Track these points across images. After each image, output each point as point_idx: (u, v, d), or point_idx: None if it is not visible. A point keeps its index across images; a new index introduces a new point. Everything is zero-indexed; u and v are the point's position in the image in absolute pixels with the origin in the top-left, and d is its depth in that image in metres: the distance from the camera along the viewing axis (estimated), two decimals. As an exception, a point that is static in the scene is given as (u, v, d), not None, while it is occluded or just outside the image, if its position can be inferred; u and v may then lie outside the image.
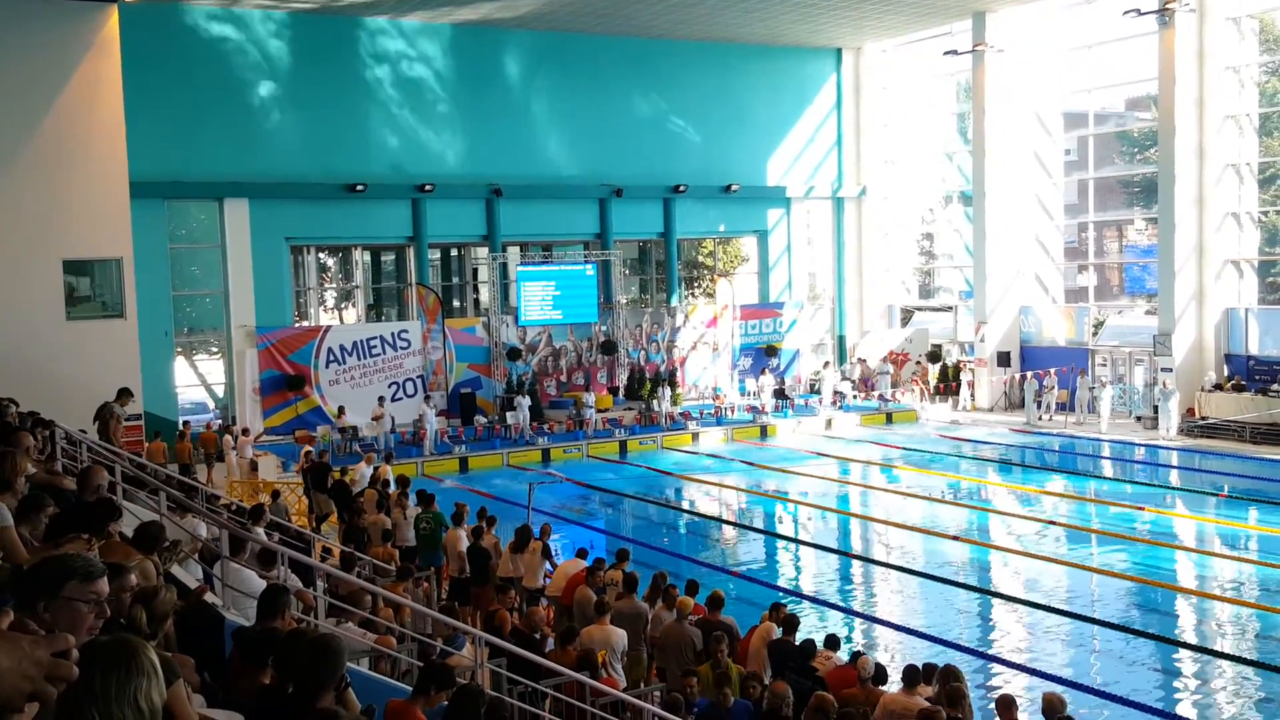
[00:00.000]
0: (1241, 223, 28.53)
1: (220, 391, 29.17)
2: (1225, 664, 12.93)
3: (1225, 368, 28.27)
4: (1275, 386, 26.54)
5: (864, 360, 35.36)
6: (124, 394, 15.96)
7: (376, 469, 18.74)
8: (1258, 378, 27.41)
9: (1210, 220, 28.20)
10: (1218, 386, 27.65)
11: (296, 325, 29.38)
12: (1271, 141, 30.73)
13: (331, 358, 28.61)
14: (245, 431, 25.07)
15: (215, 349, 29.53)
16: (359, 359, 28.94)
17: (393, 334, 29.59)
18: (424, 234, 30.41)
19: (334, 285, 33.08)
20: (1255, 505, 20.39)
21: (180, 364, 28.73)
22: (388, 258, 32.72)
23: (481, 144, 31.04)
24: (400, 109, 30.05)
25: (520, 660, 8.83)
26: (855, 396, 33.40)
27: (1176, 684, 12.67)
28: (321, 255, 31.93)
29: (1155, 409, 28.54)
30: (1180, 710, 11.71)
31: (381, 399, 27.49)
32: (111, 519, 6.88)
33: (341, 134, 29.21)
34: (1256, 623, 14.39)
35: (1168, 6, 27.36)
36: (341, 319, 32.18)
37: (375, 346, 29.21)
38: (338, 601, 9.85)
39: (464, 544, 13.95)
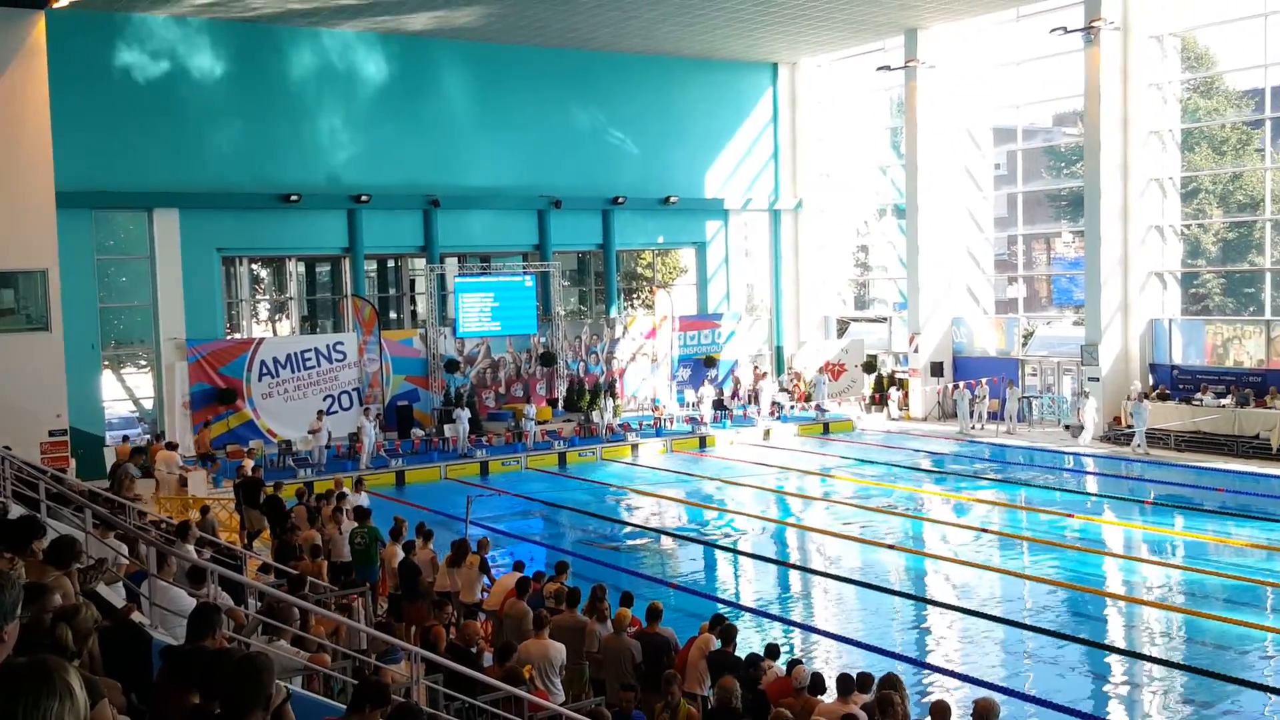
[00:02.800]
0: (1165, 236, 29.24)
1: (149, 406, 28.59)
2: (1154, 668, 13.21)
3: (1150, 377, 28.93)
4: (1198, 395, 27.21)
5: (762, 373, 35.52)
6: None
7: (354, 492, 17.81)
8: (1181, 386, 28.10)
9: (1135, 233, 28.87)
10: (1143, 395, 28.27)
11: (228, 338, 28.91)
12: (1193, 156, 31.58)
13: (265, 370, 28.20)
14: (172, 446, 24.55)
15: (144, 362, 28.94)
16: (293, 372, 28.55)
17: (328, 346, 29.25)
18: (360, 245, 30.11)
19: (267, 297, 32.61)
20: (1181, 511, 20.87)
21: (108, 378, 28.11)
22: (323, 269, 32.34)
23: (419, 155, 30.83)
24: (336, 119, 29.75)
25: (457, 676, 8.76)
26: (793, 407, 33.66)
27: (1107, 688, 12.91)
28: (254, 266, 31.47)
29: (1082, 417, 29.15)
30: (1111, 714, 11.93)
31: (320, 412, 27.13)
32: (35, 536, 6.72)
33: (275, 144, 28.85)
34: (1183, 626, 14.72)
35: (1093, 25, 28.00)
36: (275, 331, 31.73)
37: (310, 359, 28.84)
38: (268, 618, 9.69)
39: (397, 559, 13.81)
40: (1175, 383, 28.34)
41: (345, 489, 17.17)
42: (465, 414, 28.50)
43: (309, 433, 26.35)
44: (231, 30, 28.20)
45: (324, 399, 28.61)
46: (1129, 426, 27.66)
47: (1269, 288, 28.80)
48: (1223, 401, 26.43)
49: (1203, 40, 31.91)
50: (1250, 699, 12.01)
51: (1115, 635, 14.93)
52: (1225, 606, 15.23)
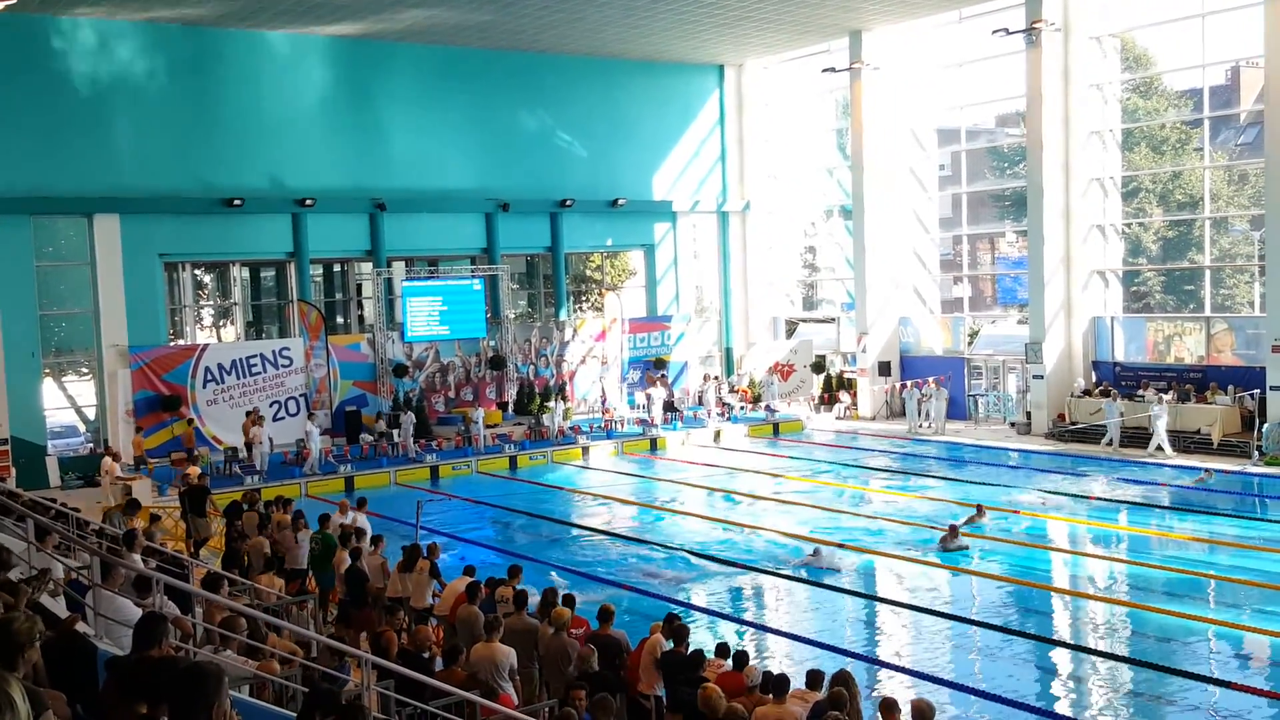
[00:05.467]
0: (1106, 234, 29.74)
1: (91, 414, 28.07)
2: (1099, 660, 13.41)
3: (1093, 374, 29.41)
4: (1140, 392, 27.70)
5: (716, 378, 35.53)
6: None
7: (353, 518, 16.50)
8: (1124, 383, 28.58)
9: (1077, 232, 29.33)
10: (1086, 392, 28.75)
11: (172, 344, 28.49)
12: (1133, 156, 32.17)
13: (209, 377, 27.82)
14: (114, 455, 24.15)
15: (86, 370, 28.43)
16: (238, 378, 28.19)
17: (274, 352, 28.92)
18: (305, 249, 29.80)
19: (211, 302, 32.17)
20: (1124, 506, 21.21)
21: (49, 386, 27.58)
22: (267, 274, 31.97)
23: (364, 157, 30.60)
24: (278, 122, 29.42)
25: (408, 681, 8.69)
26: (743, 408, 33.80)
27: (1055, 682, 13.10)
28: (197, 272, 31.04)
29: (1029, 414, 29.59)
30: (1058, 708, 12.10)
31: (249, 413, 26.63)
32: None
33: (217, 147, 28.47)
34: (1127, 619, 14.97)
35: (1034, 26, 28.43)
36: (219, 337, 31.30)
37: (256, 365, 28.50)
38: (219, 628, 9.55)
39: (346, 566, 13.69)
40: (1118, 379, 28.82)
41: (349, 511, 16.51)
42: (410, 418, 28.27)
43: (245, 442, 25.97)
44: (171, 33, 27.80)
45: (270, 404, 28.26)
46: (1074, 423, 28.09)
47: (1208, 285, 29.42)
48: (1164, 398, 26.91)
49: (1142, 41, 32.51)
50: (1194, 690, 12.23)
51: (1062, 629, 15.14)
52: (1169, 600, 15.50)
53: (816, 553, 17.74)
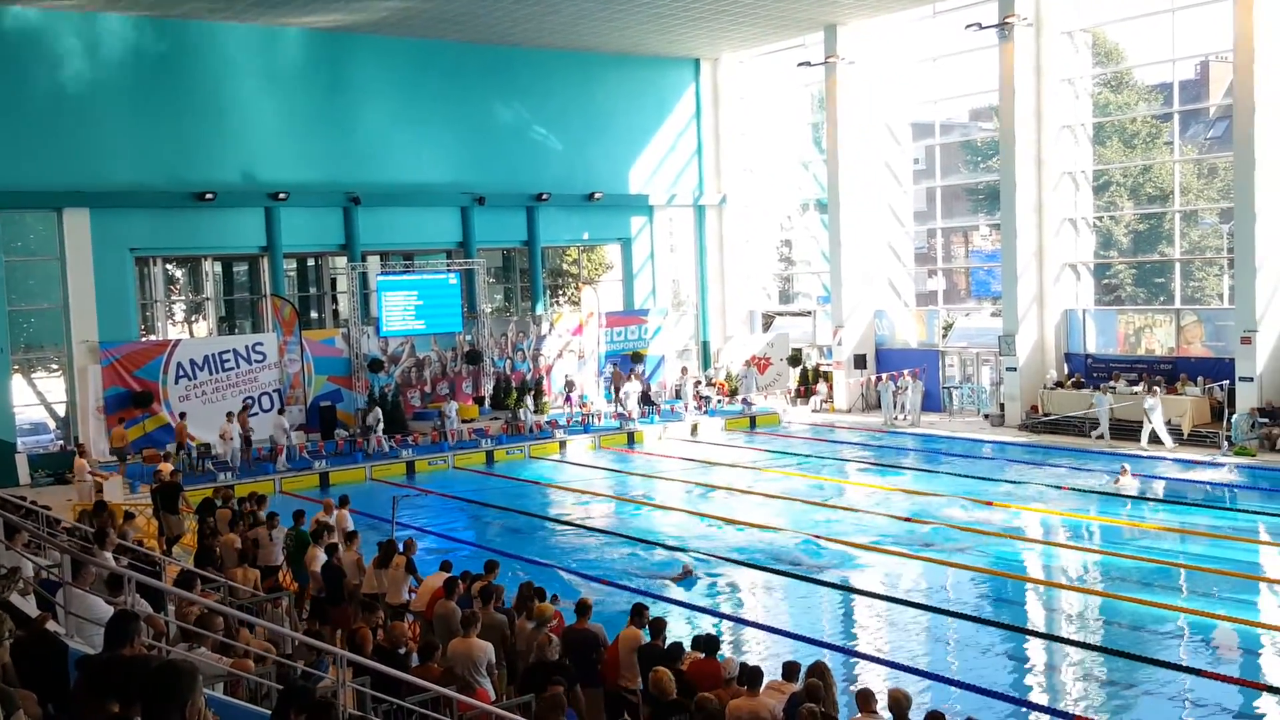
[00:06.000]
0: (1078, 228, 29.94)
1: (62, 411, 27.81)
2: (1072, 650, 13.51)
3: (1065, 366, 29.63)
4: (1112, 383, 27.92)
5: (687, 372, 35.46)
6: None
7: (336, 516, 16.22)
8: (1095, 375, 28.81)
9: (1049, 225, 29.52)
10: (1059, 384, 28.96)
11: (143, 339, 28.25)
12: (1104, 150, 32.41)
13: (181, 373, 27.62)
14: (82, 451, 23.89)
15: (56, 366, 28.16)
16: (211, 373, 28.00)
17: (247, 347, 28.72)
18: (278, 243, 29.60)
19: (183, 297, 31.93)
20: (1096, 497, 21.37)
21: (18, 382, 27.30)
22: (240, 268, 31.75)
23: (338, 151, 30.41)
24: (251, 115, 29.19)
25: (386, 678, 8.66)
26: (719, 401, 33.86)
27: (1028, 671, 13.19)
28: (169, 267, 30.79)
29: (1002, 406, 29.77)
30: (1033, 697, 12.19)
31: (230, 414, 26.47)
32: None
33: (189, 141, 28.23)
34: (1099, 609, 15.09)
35: (1007, 21, 28.56)
36: (192, 332, 31.08)
37: (229, 360, 28.31)
38: (193, 626, 9.50)
39: (319, 562, 13.63)
40: (1089, 371, 29.05)
41: (333, 510, 16.28)
42: (377, 414, 28.11)
43: (219, 436, 25.81)
44: (143, 25, 27.54)
45: (244, 401, 28.07)
46: (1047, 414, 28.29)
47: (1178, 277, 29.69)
48: (1135, 389, 27.14)
49: (1113, 36, 32.77)
50: (1166, 678, 12.35)
51: (1036, 619, 15.25)
52: (1141, 589, 15.64)
53: (687, 571, 16.95)
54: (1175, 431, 25.71)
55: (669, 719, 8.60)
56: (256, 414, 27.98)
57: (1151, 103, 33.80)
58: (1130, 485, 21.58)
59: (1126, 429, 26.46)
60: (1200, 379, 26.60)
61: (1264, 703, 11.77)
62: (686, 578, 16.75)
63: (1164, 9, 27.68)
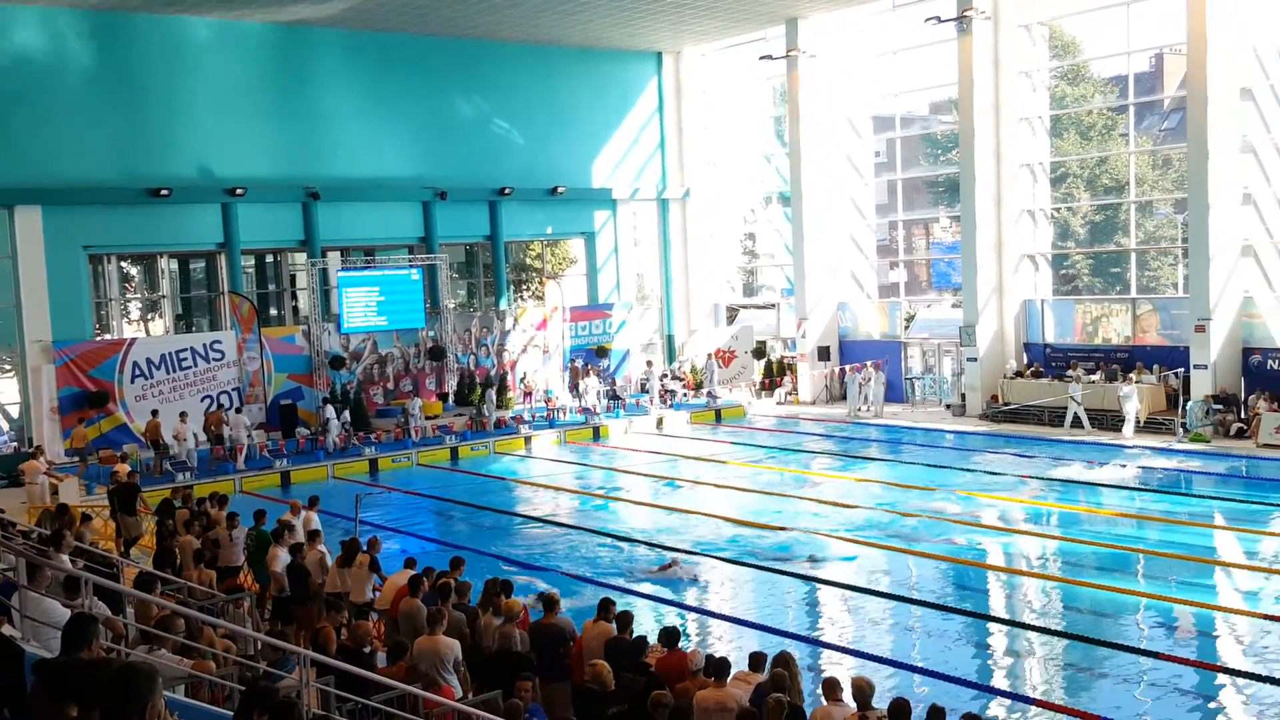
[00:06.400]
0: (1036, 219, 30.24)
1: (15, 412, 27.39)
2: (1034, 635, 13.67)
3: (1025, 356, 29.93)
4: (1070, 372, 28.24)
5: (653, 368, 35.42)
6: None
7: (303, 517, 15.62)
8: (1054, 364, 29.13)
9: (1008, 217, 29.79)
10: (1018, 373, 29.25)
11: (98, 339, 27.88)
12: (1061, 142, 32.74)
13: (138, 372, 27.27)
14: (39, 453, 23.53)
15: (8, 366, 27.72)
16: (168, 372, 27.66)
17: (205, 345, 28.41)
18: (236, 240, 29.29)
19: (138, 295, 31.53)
20: (1056, 483, 21.61)
21: (-29, 383, 26.88)
22: (197, 265, 31.40)
23: (297, 146, 30.14)
24: (208, 110, 28.84)
25: (350, 677, 8.60)
26: (684, 395, 33.90)
27: (990, 657, 13.32)
28: (124, 264, 30.41)
29: (963, 396, 30.03)
30: (995, 682, 12.31)
31: (184, 414, 26.17)
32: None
33: (144, 137, 27.88)
34: (1060, 595, 15.27)
35: (965, 14, 28.76)
36: (148, 331, 30.70)
37: (186, 359, 27.99)
38: (149, 628, 9.38)
39: (280, 562, 13.51)
40: (1048, 360, 29.36)
41: (301, 510, 15.99)
42: (331, 410, 27.89)
43: (174, 437, 25.52)
44: (96, 19, 27.14)
45: (202, 399, 27.78)
46: (1007, 403, 28.56)
47: (1134, 267, 30.03)
48: (1092, 378, 27.46)
49: (1069, 29, 33.09)
50: (1126, 661, 12.52)
51: (998, 605, 15.41)
52: (1100, 574, 15.84)
53: (674, 563, 16.92)
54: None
55: (608, 710, 8.63)
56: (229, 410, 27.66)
57: (1107, 95, 34.17)
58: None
59: (1090, 418, 26.77)
60: (1156, 367, 26.95)
61: (1220, 683, 11.97)
62: (671, 568, 16.72)
63: (1119, 2, 27.98)
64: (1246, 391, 25.46)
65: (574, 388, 32.71)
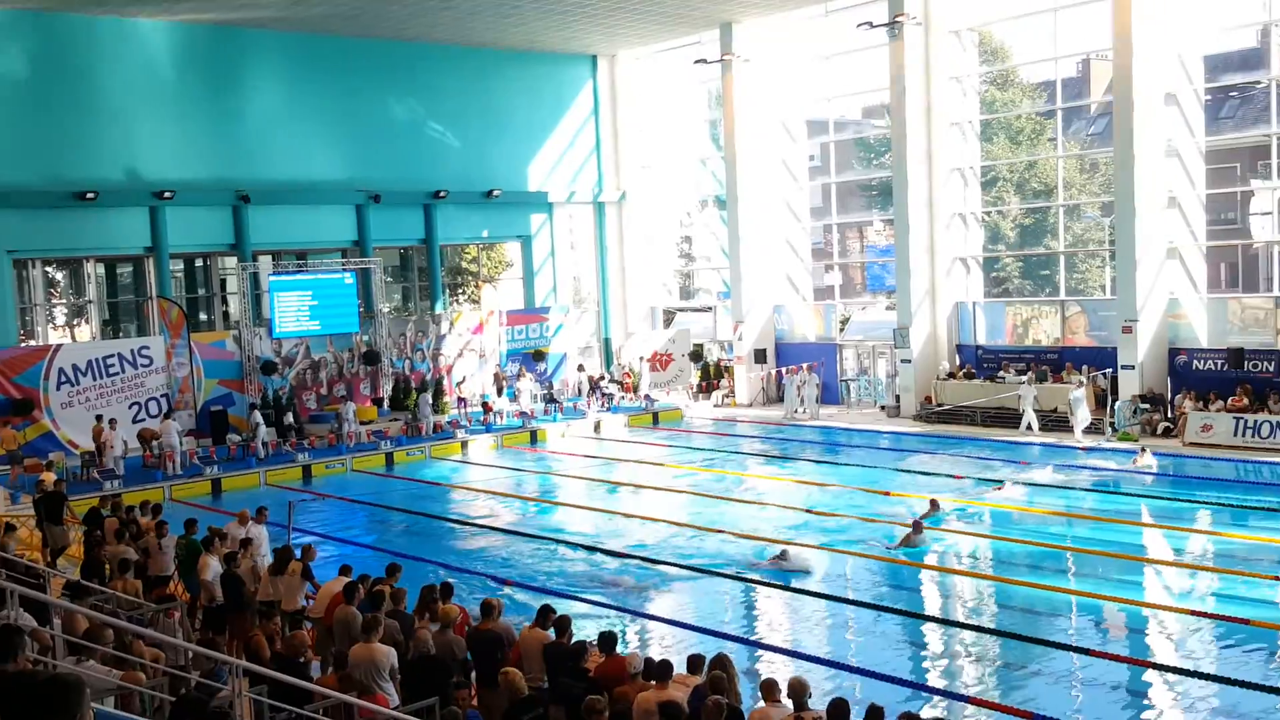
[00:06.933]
0: (967, 222, 30.70)
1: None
2: (969, 634, 13.85)
3: (957, 357, 30.37)
4: (1001, 373, 28.70)
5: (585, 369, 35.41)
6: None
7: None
8: (985, 365, 29.60)
9: (940, 220, 30.21)
10: (951, 375, 29.67)
11: (22, 345, 27.17)
12: (991, 147, 33.28)
13: (64, 378, 26.61)
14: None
15: (-72, 373, 26.89)
16: (95, 379, 27.03)
17: (132, 351, 27.80)
18: (164, 244, 28.74)
19: (64, 301, 30.80)
20: (988, 483, 21.91)
21: (-114, 391, 26.03)
22: (124, 270, 30.75)
23: (227, 148, 29.65)
24: (135, 112, 28.27)
25: (284, 686, 8.46)
26: (623, 398, 33.89)
27: (925, 656, 13.47)
28: (49, 269, 29.67)
29: (898, 398, 30.39)
30: (930, 680, 12.46)
31: (100, 417, 25.59)
32: None
33: (68, 139, 27.24)
34: (994, 594, 15.49)
35: (896, 20, 29.12)
36: (74, 337, 29.98)
37: (113, 365, 27.37)
38: (78, 639, 9.15)
39: (211, 571, 13.26)
40: (980, 362, 29.82)
41: (248, 521, 15.58)
42: (257, 416, 27.50)
43: (95, 443, 24.93)
44: (18, 18, 26.48)
45: (130, 406, 27.19)
46: (940, 405, 28.94)
47: (1063, 270, 30.66)
48: (1023, 378, 27.93)
49: (998, 35, 33.65)
50: (1059, 659, 12.74)
51: (932, 605, 15.60)
52: (1033, 573, 16.10)
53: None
54: (1062, 418, 26.49)
55: (521, 717, 8.61)
56: (143, 420, 27.09)
57: (1035, 100, 34.81)
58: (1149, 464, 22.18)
59: (1014, 418, 27.23)
60: (1085, 368, 27.48)
61: (1149, 679, 12.23)
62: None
63: (1046, 8, 28.52)
64: (1173, 391, 26.07)
65: (499, 391, 32.50)
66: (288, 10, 28.33)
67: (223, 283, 31.84)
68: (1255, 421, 23.74)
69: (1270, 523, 18.04)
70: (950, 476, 22.63)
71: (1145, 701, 11.75)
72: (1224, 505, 19.49)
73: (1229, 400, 24.60)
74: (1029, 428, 26.61)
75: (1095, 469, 23.13)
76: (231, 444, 27.41)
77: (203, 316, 31.37)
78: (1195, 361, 25.90)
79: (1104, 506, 19.98)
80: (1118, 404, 25.80)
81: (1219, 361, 25.41)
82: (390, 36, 31.75)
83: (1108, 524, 18.57)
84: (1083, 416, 25.56)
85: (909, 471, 23.44)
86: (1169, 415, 25.58)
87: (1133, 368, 25.92)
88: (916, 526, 17.58)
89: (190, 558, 14.30)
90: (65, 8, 26.63)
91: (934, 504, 18.92)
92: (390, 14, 29.45)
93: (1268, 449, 23.24)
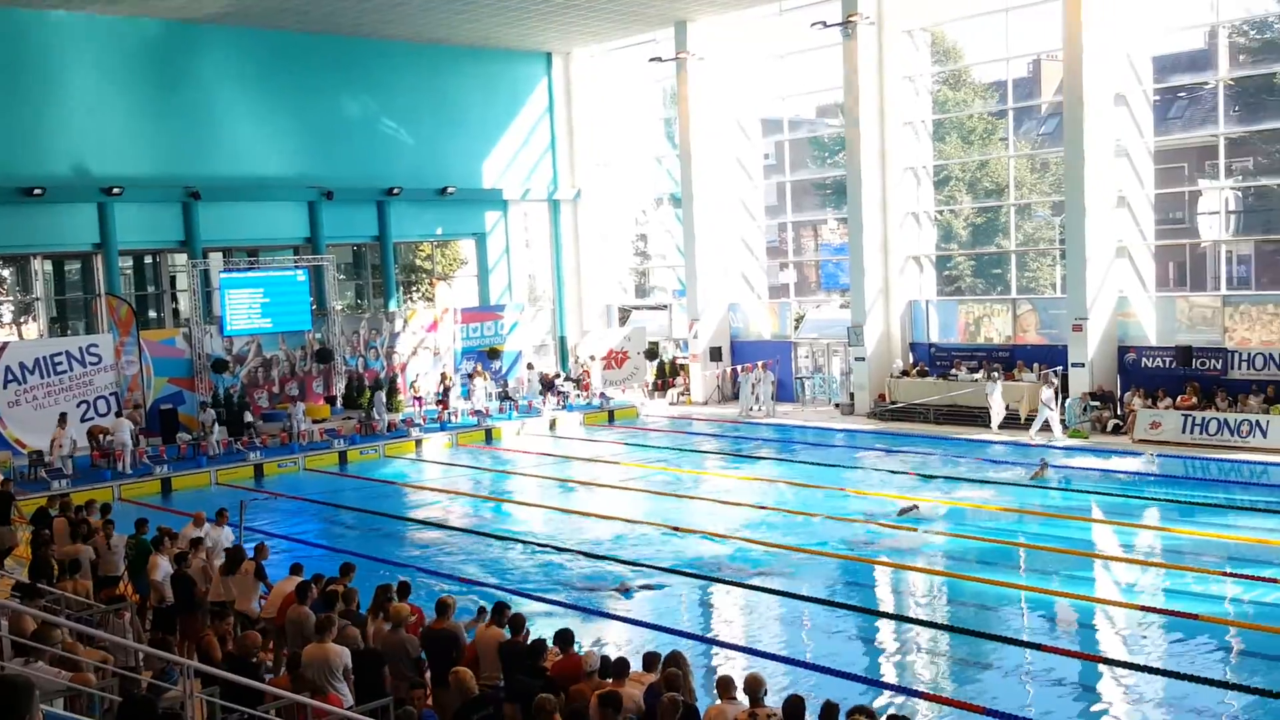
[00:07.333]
0: (920, 221, 30.97)
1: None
2: (919, 629, 13.97)
3: (911, 355, 30.63)
4: (954, 371, 28.99)
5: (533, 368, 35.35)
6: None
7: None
8: (938, 363, 29.88)
9: (893, 219, 30.45)
10: (904, 373, 29.93)
11: (-34, 343, 26.63)
12: (944, 146, 33.59)
13: (10, 377, 26.10)
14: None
15: None
16: (42, 377, 26.53)
17: (81, 349, 27.32)
18: (113, 240, 28.31)
19: (10, 298, 30.22)
20: (942, 480, 22.13)
21: None
22: (72, 266, 30.25)
23: (177, 144, 29.26)
24: (83, 106, 27.81)
25: (236, 687, 8.37)
26: (578, 396, 33.84)
27: (879, 651, 13.58)
28: (-6, 265, 29.12)
29: (852, 395, 30.60)
30: (884, 675, 12.55)
31: (64, 415, 25.21)
32: None
33: (15, 133, 26.75)
34: (946, 589, 15.64)
35: (850, 20, 29.30)
36: (20, 334, 29.44)
37: (61, 363, 26.89)
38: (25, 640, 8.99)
39: (161, 571, 13.08)
40: (933, 360, 30.10)
41: (204, 523, 15.26)
42: (210, 415, 27.19)
43: (50, 442, 24.55)
44: (-42, 8, 25.93)
45: (78, 404, 26.75)
46: (894, 402, 29.18)
47: (1014, 268, 31.01)
48: (975, 376, 28.23)
49: (951, 35, 33.97)
50: (1009, 653, 12.88)
51: (886, 601, 15.72)
52: (985, 568, 16.27)
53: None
54: (1013, 415, 26.78)
55: (470, 717, 8.58)
56: (92, 419, 26.64)
57: (987, 100, 35.17)
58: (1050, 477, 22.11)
59: (966, 415, 27.52)
60: (1036, 365, 27.81)
61: (1099, 672, 12.40)
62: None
63: (998, 9, 28.82)
64: (1122, 389, 26.45)
65: (445, 394, 32.30)
66: (239, 5, 27.97)
67: (173, 280, 31.42)
68: (1203, 419, 24.15)
69: (1218, 519, 18.38)
70: (905, 474, 22.78)
71: (1093, 695, 11.90)
72: (1174, 502, 19.80)
73: (1178, 398, 25.01)
74: (999, 426, 26.71)
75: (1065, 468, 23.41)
76: (182, 443, 27.06)
77: (152, 314, 30.93)
78: (1144, 359, 26.30)
79: (1056, 503, 20.22)
80: (1068, 402, 26.14)
81: (1167, 359, 25.82)
82: (343, 32, 31.47)
83: (1059, 520, 18.81)
84: (1051, 417, 25.56)
85: (862, 468, 23.59)
86: (1118, 413, 25.96)
87: (1083, 365, 26.27)
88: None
89: (140, 558, 14.10)
90: (11, 3, 26.12)
91: (915, 506, 19.43)
92: (343, 9, 29.19)
93: (1215, 446, 23.65)
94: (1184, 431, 24.26)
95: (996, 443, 25.74)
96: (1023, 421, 26.60)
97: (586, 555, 17.71)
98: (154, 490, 24.26)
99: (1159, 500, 19.95)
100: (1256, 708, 11.05)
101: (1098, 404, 26.07)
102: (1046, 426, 25.68)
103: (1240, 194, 29.85)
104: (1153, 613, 13.90)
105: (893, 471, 23.07)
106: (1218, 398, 24.48)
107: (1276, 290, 27.60)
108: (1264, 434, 23.20)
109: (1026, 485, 21.44)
